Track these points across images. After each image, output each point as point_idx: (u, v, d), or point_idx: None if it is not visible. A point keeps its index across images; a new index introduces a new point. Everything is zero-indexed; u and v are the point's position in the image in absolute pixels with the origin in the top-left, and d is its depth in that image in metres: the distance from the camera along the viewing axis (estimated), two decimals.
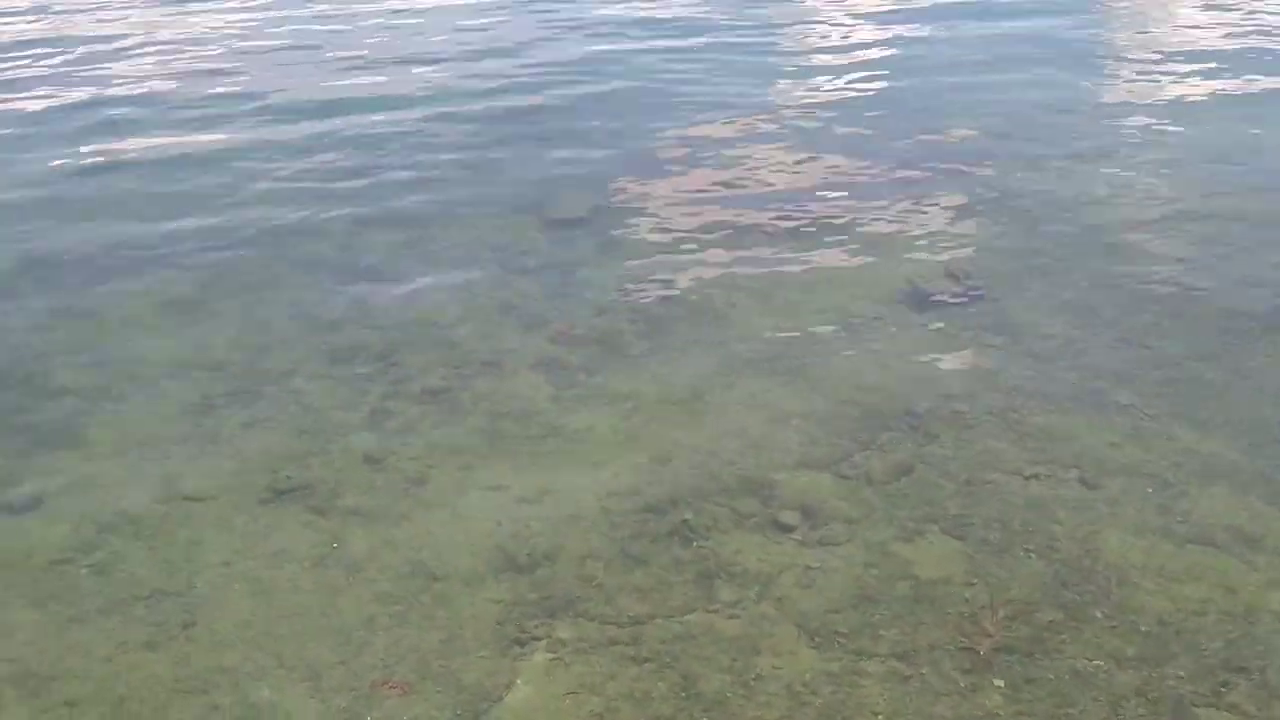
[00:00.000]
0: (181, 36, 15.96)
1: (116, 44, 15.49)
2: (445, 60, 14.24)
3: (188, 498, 5.74)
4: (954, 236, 8.59)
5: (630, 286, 7.90)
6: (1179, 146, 10.46)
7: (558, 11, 16.88)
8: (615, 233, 8.82)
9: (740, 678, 4.45)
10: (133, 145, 11.12)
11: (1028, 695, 4.32)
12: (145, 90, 13.14)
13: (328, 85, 13.11)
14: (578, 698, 4.38)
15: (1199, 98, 11.94)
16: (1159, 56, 13.65)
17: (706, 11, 16.77)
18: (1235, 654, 4.50)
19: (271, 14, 17.36)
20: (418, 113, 11.93)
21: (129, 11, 17.80)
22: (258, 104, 12.44)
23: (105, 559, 5.30)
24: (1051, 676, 4.40)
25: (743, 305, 7.60)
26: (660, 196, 9.49)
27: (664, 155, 10.51)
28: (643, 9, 16.97)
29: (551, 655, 4.60)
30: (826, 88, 12.72)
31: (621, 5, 17.16)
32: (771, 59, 14.14)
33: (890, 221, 8.88)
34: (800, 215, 9.01)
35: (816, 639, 4.63)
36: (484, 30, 15.96)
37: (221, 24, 16.83)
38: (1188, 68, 13.04)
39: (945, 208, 9.14)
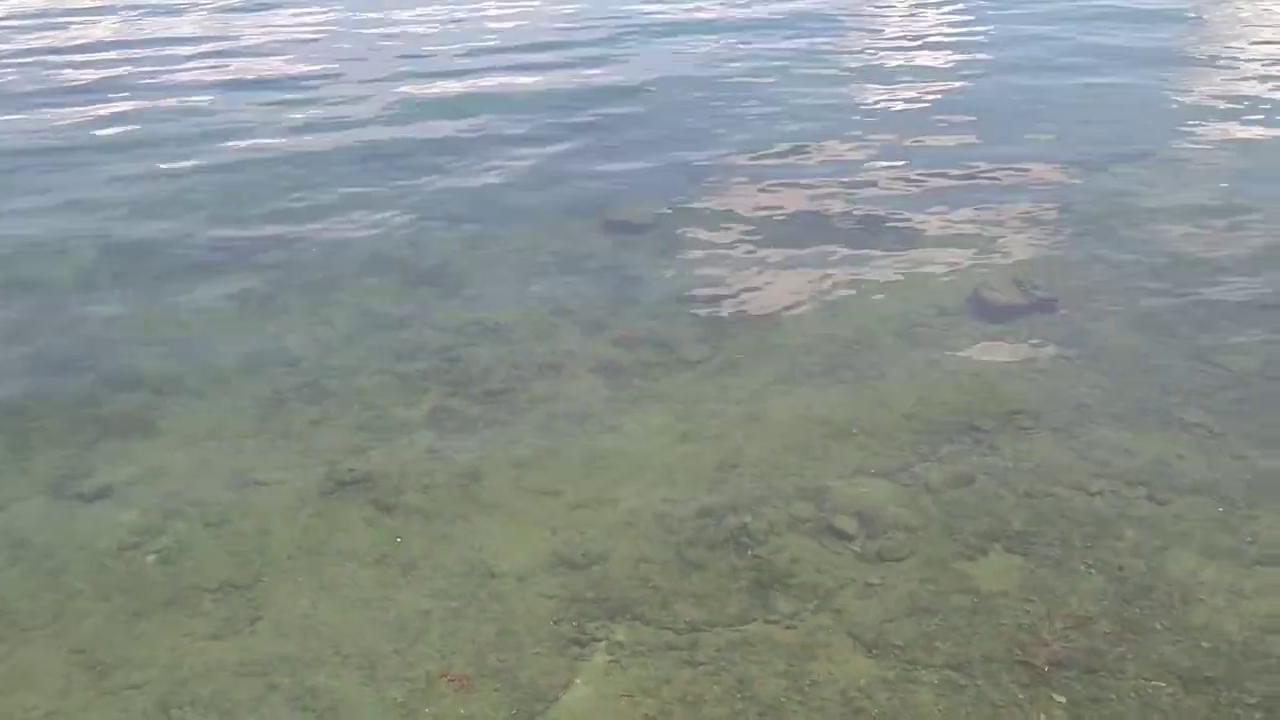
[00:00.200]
0: (253, 43, 16.29)
1: (186, 49, 15.87)
2: (515, 66, 14.38)
3: (255, 490, 5.86)
4: (1023, 244, 8.48)
5: (691, 292, 7.91)
6: (1263, 155, 10.23)
7: (629, 17, 16.96)
8: (677, 238, 8.84)
9: (795, 683, 4.43)
10: (205, 149, 11.36)
11: (1090, 715, 4.25)
12: (217, 96, 13.43)
13: (398, 91, 13.28)
14: (633, 700, 4.40)
15: None
16: (1246, 62, 13.39)
17: (776, 14, 16.75)
18: None
19: (347, 18, 17.67)
20: (485, 118, 12.07)
21: (202, 15, 18.22)
22: (329, 109, 12.68)
23: (173, 549, 5.42)
24: (1113, 696, 4.33)
25: (805, 312, 7.57)
26: (724, 203, 9.49)
27: (729, 162, 10.51)
28: (711, 12, 17.00)
29: (609, 657, 4.62)
30: (897, 93, 12.64)
31: (690, 8, 17.21)
32: (842, 63, 14.08)
33: (958, 228, 8.80)
34: (866, 222, 8.97)
35: (872, 648, 4.61)
36: (553, 34, 16.09)
37: (294, 29, 17.14)
38: (1273, 74, 12.76)
39: (1014, 215, 9.03)
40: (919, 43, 15.08)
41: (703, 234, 8.90)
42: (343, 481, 5.87)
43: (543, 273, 8.33)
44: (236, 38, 16.57)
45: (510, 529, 5.48)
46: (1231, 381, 6.54)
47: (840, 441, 6.10)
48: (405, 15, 17.74)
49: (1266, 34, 14.98)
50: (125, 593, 5.13)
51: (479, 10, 17.98)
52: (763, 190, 9.80)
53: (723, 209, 9.37)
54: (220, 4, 18.98)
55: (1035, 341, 7.10)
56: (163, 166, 10.87)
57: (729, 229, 8.97)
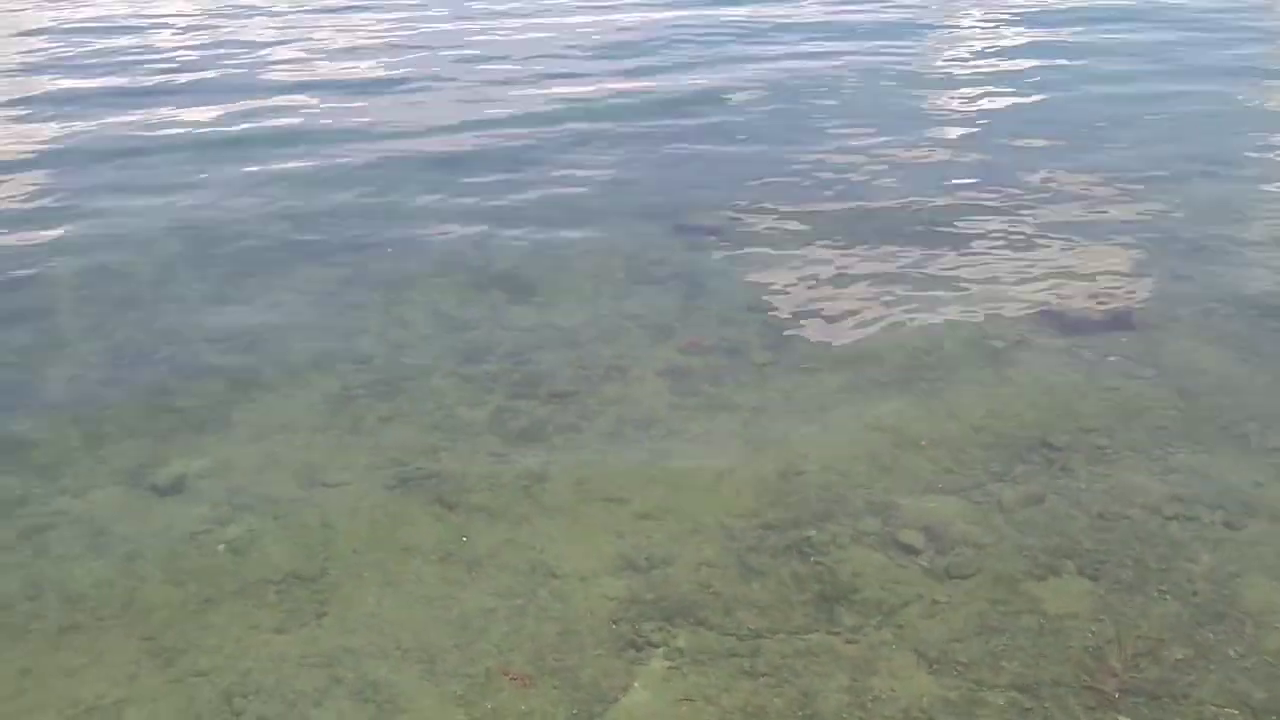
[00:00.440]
0: (338, 47, 16.57)
1: (267, 53, 16.17)
2: (594, 74, 14.45)
3: (324, 484, 5.94)
4: (1102, 259, 8.30)
5: (760, 299, 7.87)
6: None
7: (698, 24, 16.99)
8: (747, 244, 8.81)
9: (858, 699, 4.38)
10: (286, 150, 11.57)
11: None
12: (299, 98, 13.67)
13: (477, 97, 13.42)
14: (694, 705, 4.38)
15: None
16: None
17: (858, 22, 16.66)
18: None
19: (431, 25, 17.91)
20: (558, 127, 12.12)
21: (285, 18, 18.58)
22: (408, 113, 12.85)
23: (242, 540, 5.51)
24: None
25: (875, 322, 7.49)
26: (795, 210, 9.43)
27: (802, 168, 10.46)
28: (784, 16, 16.95)
29: (669, 663, 4.60)
30: (973, 101, 12.52)
31: (765, 11, 17.18)
32: (921, 72, 13.97)
33: (1032, 239, 8.66)
34: (939, 231, 8.87)
35: (937, 666, 4.54)
36: (626, 40, 16.15)
37: (379, 32, 17.41)
38: None
39: (1094, 228, 8.86)
40: (1000, 52, 14.89)
41: (774, 241, 8.86)
42: (409, 479, 5.93)
43: (612, 277, 8.35)
44: (320, 41, 16.86)
45: (574, 531, 5.49)
46: None
47: (908, 453, 6.02)
48: (485, 23, 17.92)
49: None
50: (196, 582, 5.22)
51: (563, 20, 18.09)
52: (836, 198, 9.74)
53: (794, 216, 9.31)
54: (306, 5, 19.34)
55: (1111, 358, 6.95)
56: (243, 167, 11.07)
57: (800, 236, 8.92)
